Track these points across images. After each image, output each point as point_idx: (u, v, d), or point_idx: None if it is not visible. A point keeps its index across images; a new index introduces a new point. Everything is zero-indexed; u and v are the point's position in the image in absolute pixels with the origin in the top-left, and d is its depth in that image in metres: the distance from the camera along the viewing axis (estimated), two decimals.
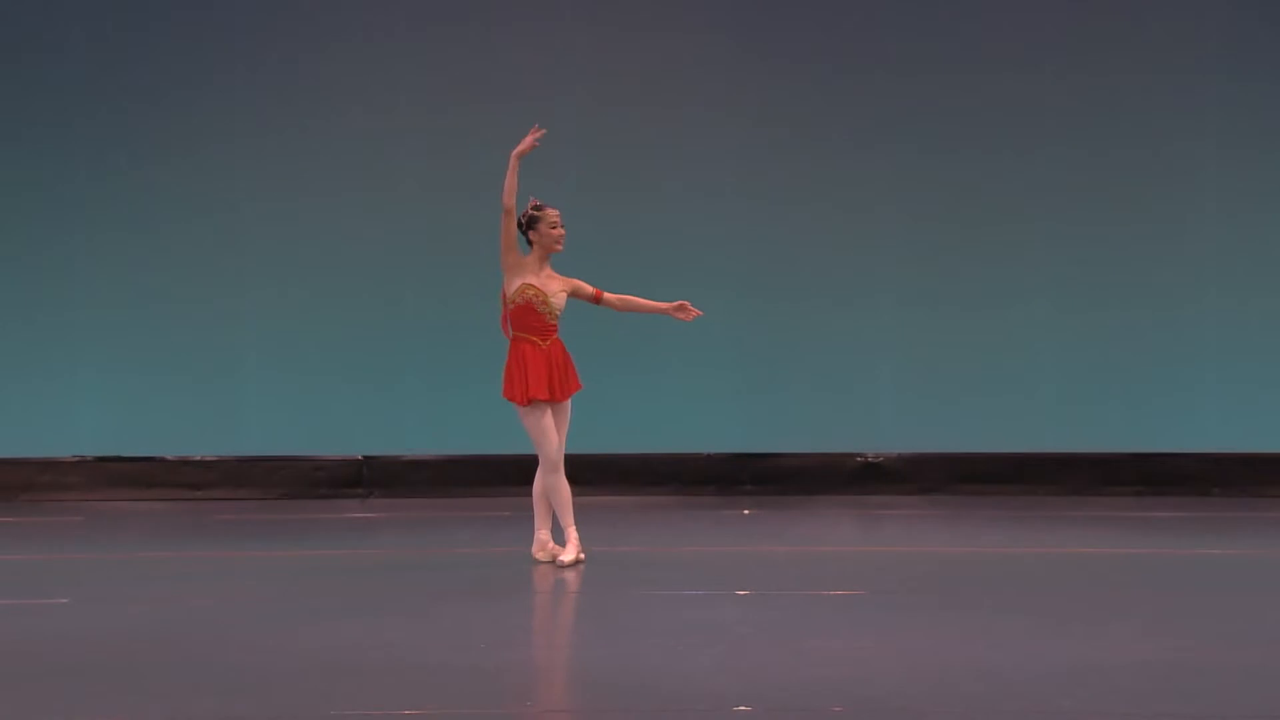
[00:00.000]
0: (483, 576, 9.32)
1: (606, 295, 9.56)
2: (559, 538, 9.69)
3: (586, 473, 13.34)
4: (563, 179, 12.82)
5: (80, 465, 13.16)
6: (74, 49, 13.19)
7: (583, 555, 9.54)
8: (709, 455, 13.55)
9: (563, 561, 9.44)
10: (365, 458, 13.43)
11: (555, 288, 9.43)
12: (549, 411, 9.43)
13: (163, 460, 13.26)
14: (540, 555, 9.60)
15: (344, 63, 13.34)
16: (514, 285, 9.35)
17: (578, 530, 9.57)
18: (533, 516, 9.65)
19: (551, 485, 9.46)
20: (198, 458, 13.34)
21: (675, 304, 9.65)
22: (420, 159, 13.37)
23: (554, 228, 9.40)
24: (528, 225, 9.40)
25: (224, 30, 13.26)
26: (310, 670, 6.72)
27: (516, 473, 13.34)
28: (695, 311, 9.63)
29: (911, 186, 13.54)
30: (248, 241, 13.30)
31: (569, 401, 9.55)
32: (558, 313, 9.44)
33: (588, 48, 13.45)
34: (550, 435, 9.42)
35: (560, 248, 9.46)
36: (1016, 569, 9.74)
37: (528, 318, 9.38)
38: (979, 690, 6.38)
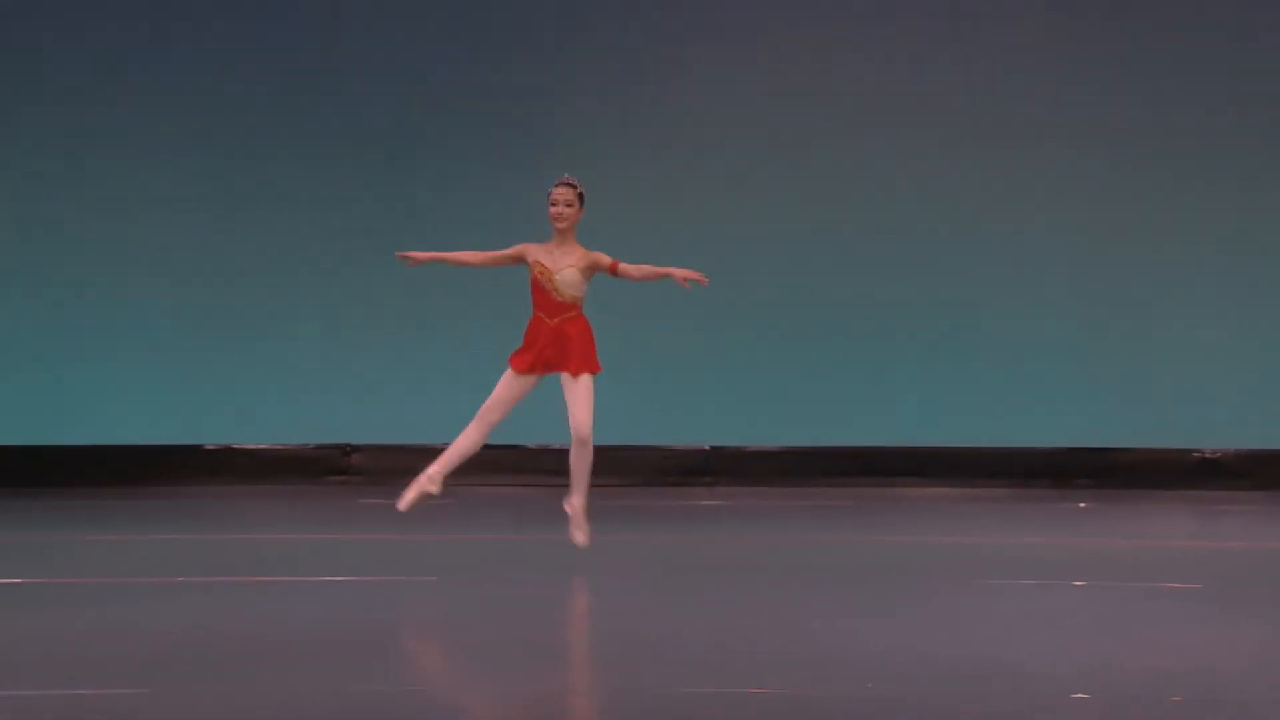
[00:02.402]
0: (819, 562, 9.33)
1: (622, 266, 8.92)
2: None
3: (928, 466, 13.28)
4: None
5: None
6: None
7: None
8: (1044, 449, 13.33)
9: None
10: (712, 448, 13.55)
11: (565, 263, 8.92)
12: (518, 382, 9.08)
13: (525, 448, 13.56)
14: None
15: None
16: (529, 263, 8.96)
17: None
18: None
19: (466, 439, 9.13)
20: (557, 446, 13.60)
21: (686, 272, 8.91)
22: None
23: (553, 205, 8.91)
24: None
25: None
26: (646, 649, 6.81)
27: (854, 464, 13.35)
28: (700, 279, 8.91)
29: (1242, 193, 13.18)
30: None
31: (582, 378, 9.04)
32: (565, 291, 8.90)
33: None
34: (496, 403, 9.11)
35: (559, 225, 8.88)
36: None
37: (536, 294, 8.97)
38: None
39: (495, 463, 13.53)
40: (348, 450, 13.49)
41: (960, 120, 13.34)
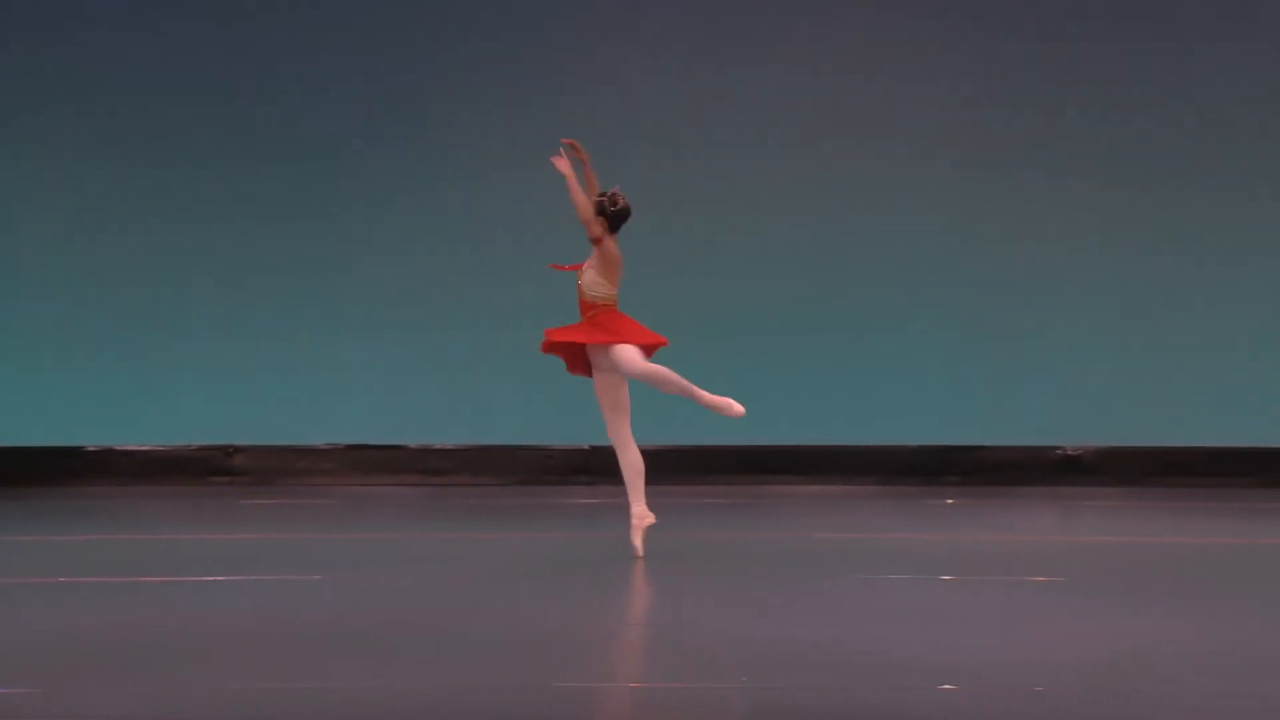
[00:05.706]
0: (709, 558, 9.36)
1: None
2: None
3: (798, 463, 13.35)
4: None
5: (333, 452, 13.45)
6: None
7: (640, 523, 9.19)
8: (912, 447, 13.46)
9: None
10: (591, 447, 13.55)
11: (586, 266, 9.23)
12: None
13: (406, 449, 13.51)
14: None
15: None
16: None
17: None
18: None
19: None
20: (438, 446, 13.57)
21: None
22: None
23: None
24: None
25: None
26: (528, 640, 6.83)
27: (730, 462, 13.41)
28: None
29: (1102, 191, 13.37)
30: (498, 244, 13.46)
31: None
32: (584, 290, 9.14)
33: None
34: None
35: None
36: (1214, 558, 9.56)
37: None
38: (1181, 675, 6.28)
39: (375, 462, 13.47)
40: (231, 451, 13.36)
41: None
